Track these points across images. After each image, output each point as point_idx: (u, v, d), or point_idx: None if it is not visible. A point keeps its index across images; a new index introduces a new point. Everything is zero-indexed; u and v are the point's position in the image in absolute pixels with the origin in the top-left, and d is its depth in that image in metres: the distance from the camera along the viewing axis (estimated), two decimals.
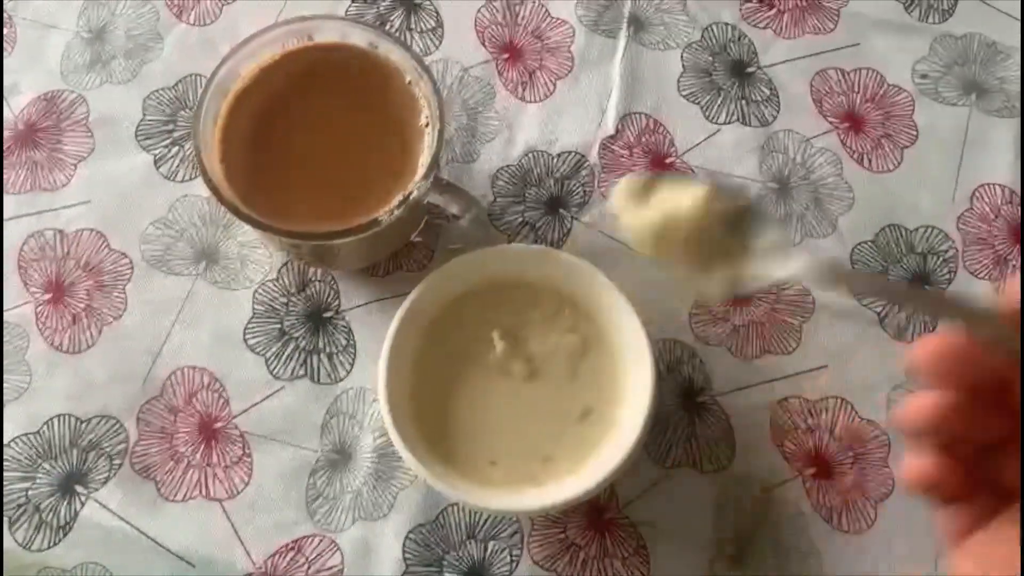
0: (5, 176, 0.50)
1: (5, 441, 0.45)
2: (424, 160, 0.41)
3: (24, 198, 0.49)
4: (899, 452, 0.45)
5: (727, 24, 0.54)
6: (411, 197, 0.40)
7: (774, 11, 0.54)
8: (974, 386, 0.24)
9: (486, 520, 0.44)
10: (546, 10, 0.54)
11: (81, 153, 0.50)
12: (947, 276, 0.49)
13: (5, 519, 0.43)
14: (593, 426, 0.42)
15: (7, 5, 0.53)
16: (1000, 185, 0.50)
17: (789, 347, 0.47)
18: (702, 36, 0.54)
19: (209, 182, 0.40)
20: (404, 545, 0.43)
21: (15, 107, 0.51)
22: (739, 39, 0.54)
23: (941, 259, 0.49)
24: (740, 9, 0.54)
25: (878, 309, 0.48)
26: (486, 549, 0.44)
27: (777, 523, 0.44)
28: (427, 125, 0.42)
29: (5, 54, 0.52)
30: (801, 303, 0.48)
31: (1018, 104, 0.52)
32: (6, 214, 0.49)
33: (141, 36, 0.53)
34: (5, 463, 0.44)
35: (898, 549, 0.44)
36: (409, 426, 0.41)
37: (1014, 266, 0.49)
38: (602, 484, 0.39)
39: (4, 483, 0.44)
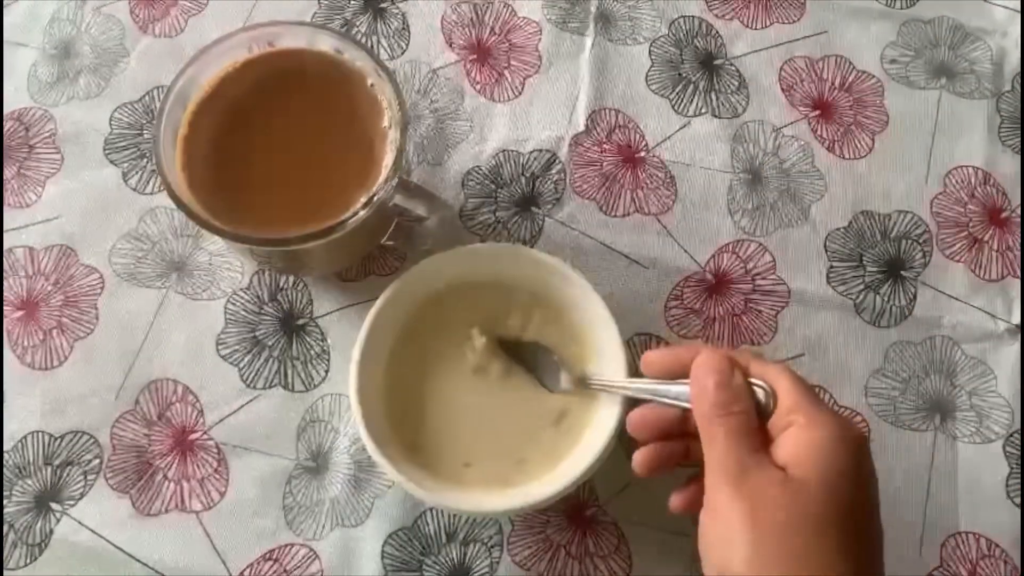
0: None
1: None
2: (388, 162, 0.41)
3: None
4: (880, 438, 0.45)
5: (694, 17, 0.54)
6: (375, 199, 0.40)
7: (741, 2, 0.54)
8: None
9: (465, 523, 0.44)
10: (512, 10, 0.54)
11: (50, 169, 0.50)
12: (922, 260, 0.48)
13: None
14: (568, 428, 0.42)
15: None
16: (973, 167, 0.50)
17: (765, 337, 0.47)
18: (669, 29, 0.53)
19: (170, 191, 0.39)
20: (383, 551, 0.43)
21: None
22: (706, 31, 0.53)
23: (915, 243, 0.49)
24: (706, 1, 0.54)
25: (853, 296, 0.47)
26: (466, 552, 0.43)
27: None
28: (390, 127, 0.42)
29: None
30: (775, 292, 0.48)
31: (989, 85, 0.52)
32: None
33: (107, 50, 0.53)
34: None
35: None
36: (383, 430, 0.41)
37: (985, 246, 0.49)
38: (574, 484, 0.39)
39: None
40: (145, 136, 0.51)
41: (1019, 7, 0.54)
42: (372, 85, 0.43)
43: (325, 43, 0.43)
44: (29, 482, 0.44)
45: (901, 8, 0.54)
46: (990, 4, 0.54)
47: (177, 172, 0.41)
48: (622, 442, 0.44)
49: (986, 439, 0.45)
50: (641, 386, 0.39)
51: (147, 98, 0.52)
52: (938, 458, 0.45)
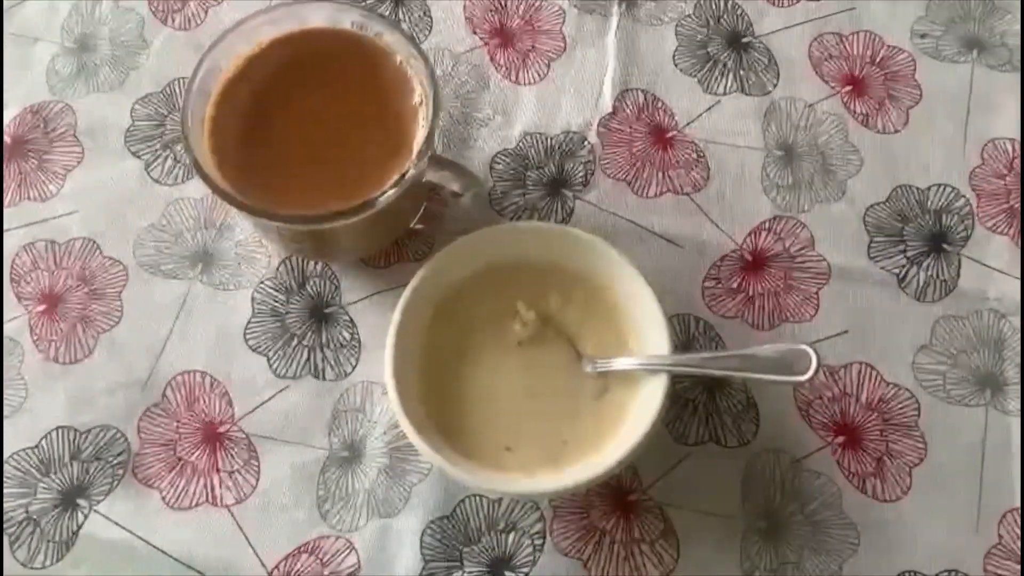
0: None
1: (4, 457, 0.43)
2: (419, 138, 0.40)
3: (14, 210, 0.48)
4: (931, 414, 0.44)
5: None
6: (407, 175, 0.39)
7: None
8: None
9: (505, 510, 0.42)
10: None
11: (71, 162, 0.49)
12: (964, 233, 0.47)
13: (5, 537, 0.42)
14: (609, 406, 0.41)
15: None
16: (1010, 139, 0.49)
17: (807, 315, 0.46)
18: (695, 9, 0.53)
19: (201, 172, 0.38)
20: (422, 541, 0.42)
21: (3, 121, 0.50)
22: (732, 9, 0.53)
23: (956, 216, 0.48)
24: None
25: (896, 271, 0.46)
26: (507, 540, 0.42)
27: (809, 495, 0.42)
28: (421, 104, 0.41)
29: None
30: (815, 269, 0.46)
31: (1020, 58, 0.51)
32: None
33: (126, 43, 0.52)
34: (5, 480, 0.43)
35: (936, 515, 0.42)
36: (420, 415, 0.39)
37: None
38: (619, 464, 0.38)
39: (4, 500, 0.42)
40: (168, 127, 0.50)
41: None
42: (401, 62, 0.42)
43: (351, 20, 0.42)
44: (55, 478, 0.43)
45: None
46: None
47: (206, 154, 0.40)
48: (666, 421, 0.43)
49: None
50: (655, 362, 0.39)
51: (168, 89, 0.51)
52: (991, 433, 0.43)
